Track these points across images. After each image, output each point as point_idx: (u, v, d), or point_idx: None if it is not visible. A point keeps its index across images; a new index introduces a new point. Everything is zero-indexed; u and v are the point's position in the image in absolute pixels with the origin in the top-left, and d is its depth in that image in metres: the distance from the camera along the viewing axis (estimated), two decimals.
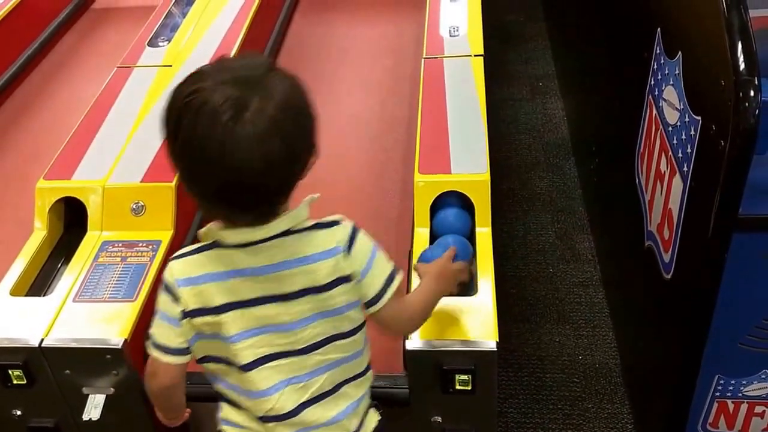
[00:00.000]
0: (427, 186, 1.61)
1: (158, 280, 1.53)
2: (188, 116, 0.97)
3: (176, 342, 1.12)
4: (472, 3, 2.32)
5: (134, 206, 1.64)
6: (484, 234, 1.59)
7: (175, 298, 1.09)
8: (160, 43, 2.17)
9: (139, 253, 1.58)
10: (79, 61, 2.60)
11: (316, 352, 1.12)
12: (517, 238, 2.48)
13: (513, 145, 2.88)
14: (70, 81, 2.49)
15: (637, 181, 1.79)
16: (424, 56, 2.05)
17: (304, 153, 1.03)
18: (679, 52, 1.48)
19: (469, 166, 1.64)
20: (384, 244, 1.80)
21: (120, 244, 1.60)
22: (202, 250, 1.10)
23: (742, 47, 1.22)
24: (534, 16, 3.68)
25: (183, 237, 1.67)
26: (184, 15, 2.30)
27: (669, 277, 1.53)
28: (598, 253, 2.37)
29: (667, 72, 1.55)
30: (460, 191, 1.61)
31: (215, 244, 1.08)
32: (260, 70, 1.01)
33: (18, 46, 2.50)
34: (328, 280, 1.09)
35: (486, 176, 1.62)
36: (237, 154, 0.95)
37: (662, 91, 1.58)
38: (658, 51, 1.61)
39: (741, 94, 1.19)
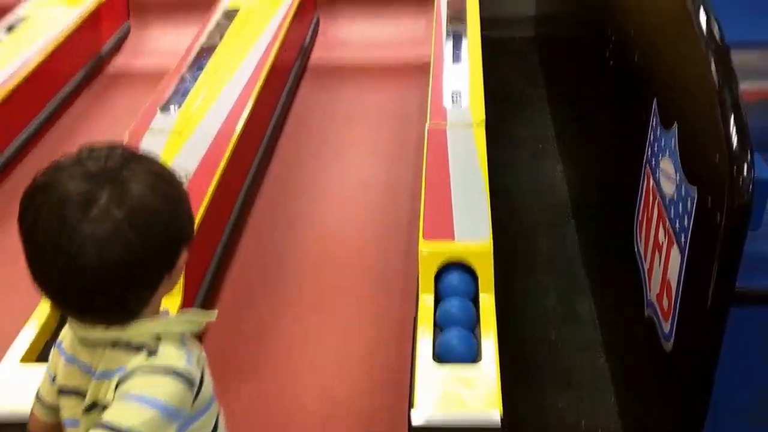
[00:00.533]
0: (431, 254, 1.65)
1: None
2: (32, 207, 0.92)
3: (52, 397, 1.07)
4: (474, 69, 2.38)
5: None
6: (487, 300, 1.62)
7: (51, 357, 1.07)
8: (171, 109, 2.22)
9: None
10: (91, 125, 2.66)
11: None
12: (519, 301, 2.49)
13: (513, 207, 2.92)
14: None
15: (636, 248, 1.82)
16: (428, 125, 2.10)
17: (151, 262, 0.95)
18: (675, 124, 1.52)
19: (473, 234, 1.68)
20: (389, 310, 1.87)
21: None
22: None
23: (735, 123, 1.26)
24: (533, 81, 3.75)
25: (191, 304, 1.70)
26: (194, 80, 2.36)
27: (669, 347, 1.55)
28: (599, 317, 2.39)
29: (663, 143, 1.59)
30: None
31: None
32: (118, 162, 0.94)
33: (32, 110, 2.57)
34: (97, 400, 0.99)
35: (489, 244, 1.65)
36: (73, 255, 0.90)
37: (659, 161, 1.62)
38: (654, 122, 1.66)
39: (735, 170, 1.24)
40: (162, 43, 3.15)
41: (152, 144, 2.06)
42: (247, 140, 2.21)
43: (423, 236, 1.69)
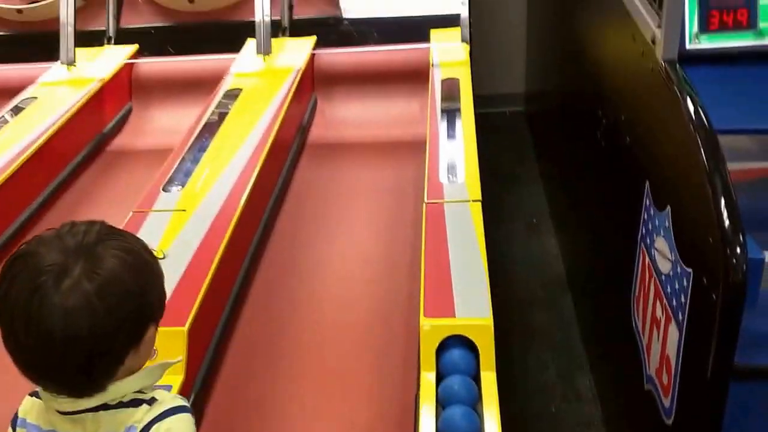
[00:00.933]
0: (432, 330, 1.67)
1: None
2: (9, 275, 0.97)
3: None
4: (469, 146, 2.44)
5: None
6: (488, 377, 1.63)
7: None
8: (174, 188, 2.27)
9: None
10: (93, 202, 2.71)
11: None
12: (519, 376, 2.51)
13: (510, 281, 2.95)
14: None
15: (633, 324, 1.85)
16: (426, 201, 2.15)
17: (118, 336, 0.99)
18: (668, 206, 1.58)
19: (473, 310, 1.70)
20: (390, 388, 1.88)
21: None
22: (37, 395, 1.08)
23: (726, 206, 1.32)
24: (525, 156, 3.84)
25: (192, 381, 1.71)
26: (197, 161, 2.41)
27: (670, 422, 1.57)
28: (599, 393, 2.40)
29: (657, 223, 1.64)
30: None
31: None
32: (94, 238, 1.00)
33: (36, 188, 2.62)
34: None
35: (489, 320, 1.67)
36: (42, 322, 0.94)
37: (653, 240, 1.67)
38: (647, 203, 1.71)
39: (728, 251, 1.29)
40: (162, 123, 3.23)
41: (157, 223, 2.09)
42: (247, 218, 2.25)
43: (424, 313, 1.71)
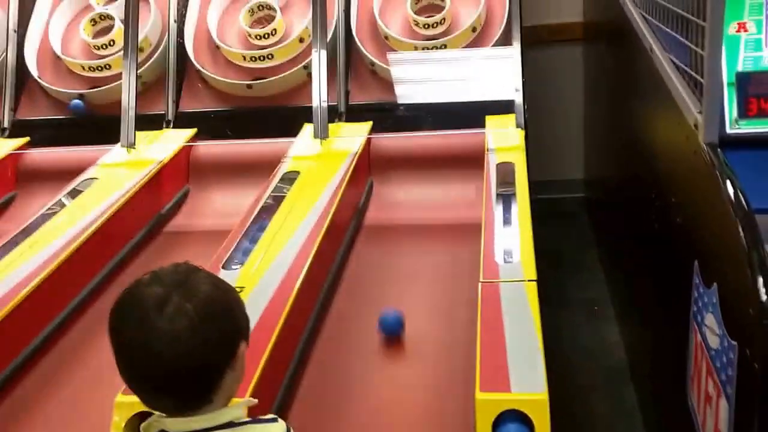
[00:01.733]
0: (488, 403, 1.86)
1: None
2: (117, 313, 1.26)
3: None
4: (524, 232, 2.67)
5: None
6: None
7: None
8: (234, 266, 2.54)
9: None
10: None
11: None
12: None
13: (570, 369, 3.13)
14: None
15: (690, 404, 2.03)
16: (482, 280, 2.37)
17: (222, 345, 1.27)
18: (715, 283, 1.79)
19: (528, 386, 1.90)
20: None
21: None
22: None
23: (764, 279, 1.53)
24: (586, 243, 4.06)
25: None
26: (255, 240, 2.69)
27: None
28: None
29: (706, 300, 1.85)
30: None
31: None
32: (185, 273, 1.28)
33: (95, 267, 2.92)
34: None
35: (544, 395, 1.86)
36: (152, 346, 1.21)
37: (704, 317, 1.88)
38: (697, 281, 1.92)
39: (765, 321, 1.49)
40: (219, 205, 3.54)
41: None
42: (305, 297, 2.49)
43: (480, 387, 1.91)
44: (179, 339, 1.22)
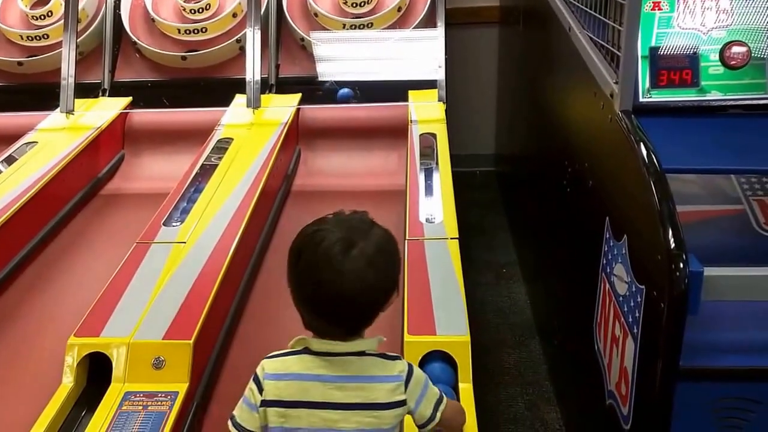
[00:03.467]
0: (415, 345, 1.88)
1: (177, 427, 1.76)
2: (309, 248, 1.32)
3: (251, 424, 1.37)
4: (446, 196, 2.69)
5: (155, 361, 1.88)
6: (466, 389, 1.85)
7: (260, 389, 1.37)
8: (174, 224, 2.48)
9: (159, 403, 1.80)
10: (88, 241, 2.90)
11: None
12: (489, 409, 2.71)
13: (482, 325, 3.17)
14: (80, 259, 2.78)
15: (596, 348, 2.08)
16: (407, 238, 2.38)
17: (389, 287, 1.37)
18: (625, 236, 1.83)
19: (452, 329, 1.92)
20: None
21: (141, 395, 1.82)
22: (292, 354, 1.40)
23: (672, 230, 1.58)
24: (496, 213, 4.11)
25: (195, 387, 1.92)
26: (194, 201, 2.64)
27: (628, 427, 1.79)
28: (566, 423, 2.61)
29: (615, 252, 1.90)
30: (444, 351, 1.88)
31: (305, 351, 1.38)
32: (367, 224, 1.38)
33: (34, 228, 2.81)
34: (387, 401, 1.37)
35: (467, 338, 1.90)
36: (341, 281, 1.29)
37: (613, 268, 1.92)
38: (608, 235, 1.97)
39: (672, 266, 1.54)
40: (152, 170, 3.45)
41: (159, 253, 2.30)
42: (240, 254, 2.46)
43: (407, 331, 1.93)
44: (360, 278, 1.30)
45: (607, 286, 1.97)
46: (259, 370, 1.40)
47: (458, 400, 1.81)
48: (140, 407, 1.79)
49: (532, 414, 2.68)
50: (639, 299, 1.70)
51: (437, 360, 1.88)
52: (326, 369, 1.35)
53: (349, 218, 1.39)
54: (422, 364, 1.87)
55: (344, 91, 3.62)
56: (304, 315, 1.37)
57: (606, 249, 1.99)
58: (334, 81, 3.66)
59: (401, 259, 1.43)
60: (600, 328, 2.05)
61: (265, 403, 1.36)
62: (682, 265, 1.53)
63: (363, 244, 1.31)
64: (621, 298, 1.84)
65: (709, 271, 1.57)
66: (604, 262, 2.00)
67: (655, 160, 1.75)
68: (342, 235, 1.32)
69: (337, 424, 1.35)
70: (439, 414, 1.44)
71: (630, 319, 1.76)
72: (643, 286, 1.68)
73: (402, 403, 1.38)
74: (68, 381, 1.89)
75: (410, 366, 1.42)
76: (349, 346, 1.36)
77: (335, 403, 1.35)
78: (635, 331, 1.72)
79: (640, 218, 1.74)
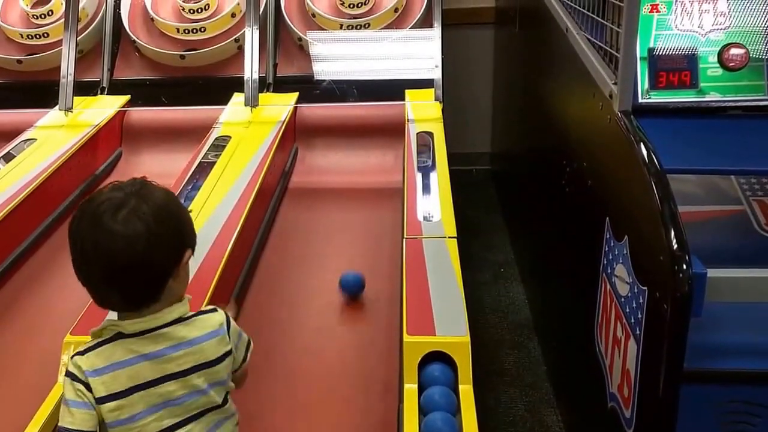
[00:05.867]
0: (415, 345, 1.83)
1: None
2: (77, 217, 1.26)
3: (89, 424, 1.29)
4: (444, 194, 2.64)
5: None
6: (466, 390, 1.79)
7: (88, 387, 1.28)
8: None
9: None
10: None
11: (202, 418, 1.36)
12: (489, 410, 2.65)
13: (480, 324, 3.12)
14: None
15: (597, 349, 2.03)
16: (406, 236, 2.32)
17: (171, 249, 1.28)
18: (626, 236, 1.78)
19: (452, 330, 1.87)
20: (373, 402, 2.02)
21: None
22: (105, 343, 1.30)
23: (674, 230, 1.53)
24: (493, 212, 4.06)
25: None
26: (191, 199, 2.58)
27: (631, 431, 1.73)
28: (566, 426, 2.56)
29: (616, 252, 1.84)
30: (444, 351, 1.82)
31: (117, 336, 1.30)
32: (140, 184, 1.29)
33: (32, 224, 2.76)
34: (217, 356, 1.35)
35: (466, 338, 1.84)
36: (109, 245, 1.21)
37: (614, 268, 1.87)
38: (608, 236, 1.91)
39: (676, 267, 1.49)
40: (149, 167, 3.38)
41: None
42: (238, 250, 2.40)
43: (407, 331, 1.87)
44: (133, 238, 1.21)
45: (608, 286, 1.91)
46: (74, 369, 1.30)
47: (458, 401, 1.76)
48: None
49: (532, 416, 2.62)
50: (641, 300, 1.64)
51: (437, 361, 1.83)
52: (150, 346, 1.30)
53: (123, 184, 1.29)
54: (422, 366, 1.82)
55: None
56: (91, 289, 1.28)
57: (606, 249, 1.93)
58: (332, 80, 3.61)
59: (186, 212, 1.37)
60: (601, 330, 1.99)
61: (99, 401, 1.28)
62: (685, 267, 1.48)
63: (134, 202, 1.23)
64: (623, 299, 1.79)
65: (713, 273, 1.52)
66: (605, 262, 1.95)
67: (655, 160, 1.70)
68: (111, 196, 1.25)
69: (175, 393, 1.31)
70: (249, 355, 1.45)
71: (632, 321, 1.71)
72: (645, 288, 1.63)
73: (230, 352, 1.38)
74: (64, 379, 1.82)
75: (227, 315, 1.41)
76: (163, 318, 1.31)
77: (170, 374, 1.31)
78: (638, 332, 1.67)
79: (642, 219, 1.69)
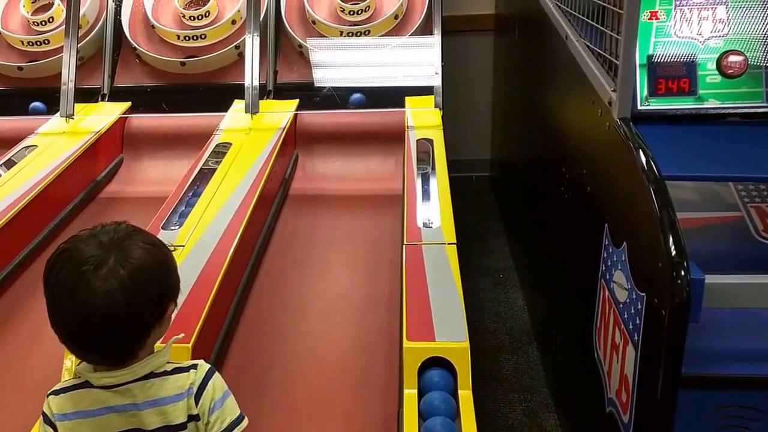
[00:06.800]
0: (414, 351, 1.84)
1: None
2: (55, 268, 1.19)
3: None
4: (443, 201, 2.65)
5: None
6: (465, 396, 1.80)
7: (54, 430, 1.27)
8: (173, 227, 2.44)
9: None
10: None
11: None
12: (488, 415, 2.66)
13: (479, 330, 3.13)
14: None
15: (595, 355, 2.04)
16: (405, 243, 2.33)
17: (146, 311, 1.20)
18: (624, 242, 1.79)
19: (451, 335, 1.88)
20: (373, 407, 2.03)
21: None
22: (76, 388, 1.27)
23: (672, 237, 1.54)
24: (492, 218, 4.07)
25: None
26: (192, 205, 2.59)
27: None
28: (564, 430, 2.56)
29: (615, 259, 1.86)
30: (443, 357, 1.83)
31: (86, 384, 1.26)
32: (123, 234, 1.22)
33: (34, 230, 2.77)
34: (182, 420, 1.26)
35: (466, 344, 1.85)
36: (85, 303, 1.15)
37: (612, 275, 1.88)
38: (606, 242, 1.93)
39: (674, 273, 1.50)
40: (150, 174, 3.41)
41: None
42: (239, 257, 2.41)
43: (406, 337, 1.88)
44: (112, 298, 1.16)
45: (607, 292, 1.93)
46: (46, 409, 1.28)
47: (457, 406, 1.77)
48: None
49: (531, 421, 2.63)
50: (639, 306, 1.66)
51: (437, 366, 1.84)
52: (116, 398, 1.24)
53: (103, 232, 1.22)
54: (421, 371, 1.83)
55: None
56: (67, 346, 1.24)
57: (605, 255, 1.95)
58: (332, 87, 3.62)
59: (171, 266, 1.27)
60: (599, 335, 2.00)
61: None
62: (683, 273, 1.49)
63: (112, 263, 1.16)
64: (621, 305, 1.80)
65: (711, 279, 1.53)
66: (603, 268, 1.96)
67: (654, 167, 1.71)
68: (92, 252, 1.17)
69: None
70: None
71: (630, 327, 1.72)
72: (643, 294, 1.64)
73: (196, 417, 1.27)
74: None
75: (208, 375, 1.29)
76: (133, 372, 1.24)
77: (138, 429, 1.25)
78: (636, 338, 1.68)
79: (640, 225, 1.70)
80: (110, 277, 1.16)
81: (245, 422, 1.32)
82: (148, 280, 1.21)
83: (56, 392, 1.29)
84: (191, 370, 1.29)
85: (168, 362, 1.29)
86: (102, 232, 1.22)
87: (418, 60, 3.57)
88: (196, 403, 1.26)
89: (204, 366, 1.31)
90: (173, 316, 1.30)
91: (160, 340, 1.32)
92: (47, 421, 1.28)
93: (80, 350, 1.24)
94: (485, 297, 3.38)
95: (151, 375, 1.25)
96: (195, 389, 1.27)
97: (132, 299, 1.17)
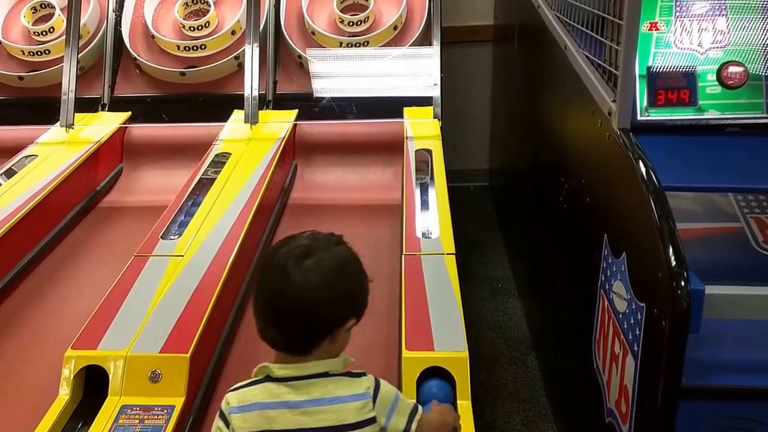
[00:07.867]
0: (413, 360, 1.83)
1: None
2: (271, 254, 1.34)
3: None
4: (442, 211, 2.64)
5: (152, 374, 1.82)
6: (464, 406, 1.79)
7: (227, 423, 1.32)
8: (172, 237, 2.43)
9: (155, 416, 1.74)
10: (86, 253, 2.84)
11: None
12: (486, 426, 2.65)
13: (477, 340, 3.12)
14: (78, 271, 2.72)
15: (595, 365, 2.03)
16: (405, 253, 2.33)
17: (340, 308, 1.31)
18: (624, 253, 1.79)
19: (450, 345, 1.87)
20: None
21: (138, 408, 1.77)
22: (255, 383, 1.33)
23: (672, 247, 1.53)
24: (491, 228, 4.07)
25: (192, 401, 1.87)
26: (191, 215, 2.59)
27: None
28: None
29: (614, 269, 1.85)
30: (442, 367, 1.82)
31: (266, 378, 1.34)
32: (332, 241, 1.36)
33: (34, 239, 2.76)
34: (356, 420, 1.32)
35: (465, 354, 1.84)
36: (286, 279, 1.27)
37: (612, 285, 1.87)
38: (606, 252, 1.92)
39: (674, 284, 1.49)
40: (149, 184, 3.40)
41: (157, 266, 2.25)
42: (238, 266, 2.41)
43: (405, 347, 1.87)
44: (308, 282, 1.26)
45: (606, 303, 1.92)
46: (224, 405, 1.35)
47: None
48: (136, 421, 1.73)
49: (530, 431, 2.62)
50: (639, 317, 1.65)
51: (436, 376, 1.83)
52: (291, 394, 1.31)
53: (319, 235, 1.37)
54: (420, 381, 1.82)
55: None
56: (258, 321, 1.34)
57: (604, 266, 1.94)
58: (331, 97, 3.62)
59: (365, 285, 1.38)
60: (599, 345, 2.00)
61: None
62: (683, 283, 1.49)
63: (321, 255, 1.29)
64: (620, 316, 1.79)
65: (711, 290, 1.53)
66: (603, 278, 1.96)
67: (654, 178, 1.71)
68: (304, 244, 1.31)
69: None
70: (414, 425, 1.40)
71: (630, 337, 1.71)
72: (643, 304, 1.64)
73: (372, 421, 1.34)
74: (65, 393, 1.84)
75: (377, 382, 1.38)
76: (311, 368, 1.33)
77: (304, 429, 1.30)
78: (635, 348, 1.67)
79: (640, 235, 1.70)
80: (315, 264, 1.27)
81: (420, 411, 1.43)
82: (344, 283, 1.31)
83: (236, 389, 1.36)
84: (363, 377, 1.37)
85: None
86: (319, 234, 1.37)
87: (417, 70, 3.57)
88: (373, 405, 1.34)
89: (371, 375, 1.39)
90: (349, 334, 1.38)
91: (336, 354, 1.37)
92: (221, 415, 1.34)
93: (265, 326, 1.31)
94: (484, 306, 3.38)
95: (327, 374, 1.33)
96: (371, 393, 1.35)
97: (325, 291, 1.27)
